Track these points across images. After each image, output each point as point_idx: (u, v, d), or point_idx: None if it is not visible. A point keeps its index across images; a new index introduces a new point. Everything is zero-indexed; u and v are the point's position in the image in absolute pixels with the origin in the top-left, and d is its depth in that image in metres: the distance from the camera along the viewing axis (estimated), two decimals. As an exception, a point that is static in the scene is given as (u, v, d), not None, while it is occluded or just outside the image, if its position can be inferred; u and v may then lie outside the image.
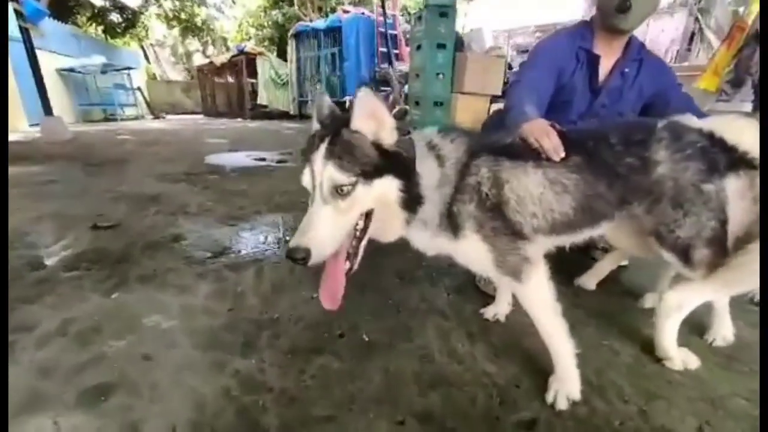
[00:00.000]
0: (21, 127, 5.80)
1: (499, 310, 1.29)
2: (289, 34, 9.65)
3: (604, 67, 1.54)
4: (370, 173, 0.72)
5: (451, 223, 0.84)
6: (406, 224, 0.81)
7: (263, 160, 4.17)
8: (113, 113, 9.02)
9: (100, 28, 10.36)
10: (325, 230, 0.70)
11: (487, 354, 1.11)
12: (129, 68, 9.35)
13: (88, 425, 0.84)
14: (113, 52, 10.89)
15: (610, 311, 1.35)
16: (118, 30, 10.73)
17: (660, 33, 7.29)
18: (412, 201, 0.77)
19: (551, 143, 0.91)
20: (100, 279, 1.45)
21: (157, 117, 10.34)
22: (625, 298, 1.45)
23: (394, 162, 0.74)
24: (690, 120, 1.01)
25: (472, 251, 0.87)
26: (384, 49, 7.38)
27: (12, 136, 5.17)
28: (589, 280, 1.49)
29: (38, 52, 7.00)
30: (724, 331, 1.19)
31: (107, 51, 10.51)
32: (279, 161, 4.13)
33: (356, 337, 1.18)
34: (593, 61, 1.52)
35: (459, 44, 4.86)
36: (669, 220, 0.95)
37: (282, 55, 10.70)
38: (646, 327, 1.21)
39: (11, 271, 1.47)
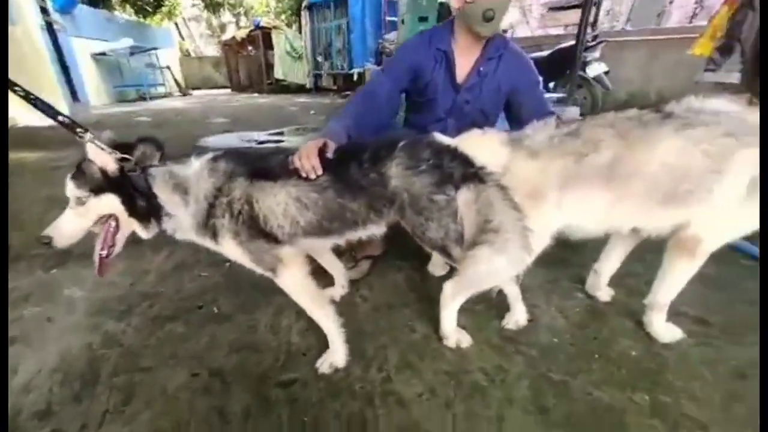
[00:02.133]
0: (63, 111, 6.53)
1: (334, 292, 1.53)
2: (303, 6, 9.63)
3: (464, 66, 1.61)
4: (97, 190, 1.00)
5: (211, 232, 1.08)
6: (145, 229, 1.08)
7: (252, 141, 4.49)
8: (145, 93, 9.78)
9: (132, 10, 10.98)
10: (66, 226, 1.02)
11: (302, 329, 1.36)
12: (155, 48, 9.96)
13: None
14: (146, 31, 11.57)
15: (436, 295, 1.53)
16: (149, 9, 11.31)
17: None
18: (140, 214, 1.04)
19: (309, 164, 1.08)
20: (49, 257, 1.87)
21: (184, 94, 11.04)
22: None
23: (117, 185, 1.01)
24: (439, 138, 1.12)
25: (232, 252, 1.10)
26: (392, 18, 7.21)
27: (45, 121, 5.93)
28: (435, 268, 1.65)
29: (74, 40, 7.82)
30: (516, 316, 1.34)
31: (139, 31, 11.20)
32: (262, 142, 4.44)
33: (210, 310, 1.49)
34: (449, 60, 1.58)
35: (446, 16, 4.69)
36: (417, 224, 1.11)
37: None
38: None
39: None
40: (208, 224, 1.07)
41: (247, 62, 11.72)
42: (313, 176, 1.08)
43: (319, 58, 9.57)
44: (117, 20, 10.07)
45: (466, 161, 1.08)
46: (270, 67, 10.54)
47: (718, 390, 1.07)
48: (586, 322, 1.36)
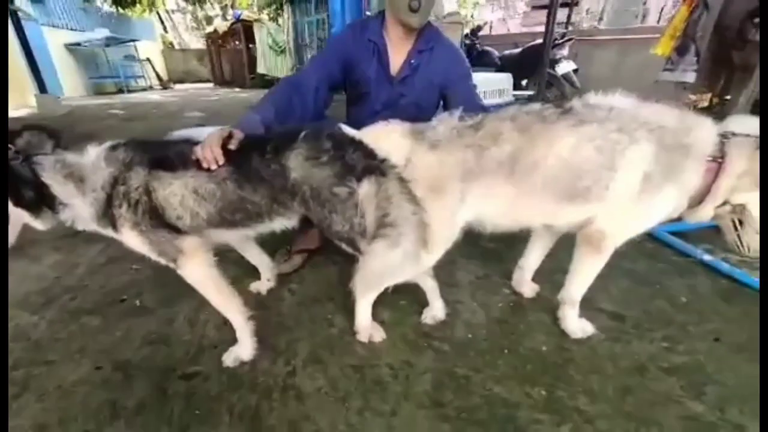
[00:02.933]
0: (30, 102, 6.36)
1: (260, 286, 1.51)
2: (284, -1, 9.51)
3: (398, 58, 1.60)
4: None
5: (110, 221, 1.05)
6: (37, 219, 1.05)
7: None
8: (124, 85, 9.59)
9: (110, 0, 10.72)
10: None
11: (219, 323, 1.34)
12: (133, 40, 9.75)
13: None
14: (125, 23, 11.32)
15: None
16: (128, 0, 11.08)
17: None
18: (28, 204, 1.01)
19: (210, 154, 1.06)
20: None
21: (165, 87, 10.85)
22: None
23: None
24: (343, 129, 1.11)
25: (133, 242, 1.08)
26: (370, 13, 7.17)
27: (18, 112, 5.80)
28: None
29: (46, 29, 7.61)
30: (434, 311, 1.34)
31: (119, 23, 10.95)
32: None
33: (133, 303, 1.46)
34: (381, 52, 1.57)
35: (417, 10, 4.68)
36: (321, 217, 1.10)
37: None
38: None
39: None
40: (107, 214, 1.04)
41: (230, 56, 11.55)
42: (213, 167, 1.06)
43: (303, 52, 9.47)
44: (92, 10, 9.83)
45: (368, 153, 1.07)
46: (253, 61, 10.40)
47: (614, 384, 1.09)
48: (506, 318, 1.37)
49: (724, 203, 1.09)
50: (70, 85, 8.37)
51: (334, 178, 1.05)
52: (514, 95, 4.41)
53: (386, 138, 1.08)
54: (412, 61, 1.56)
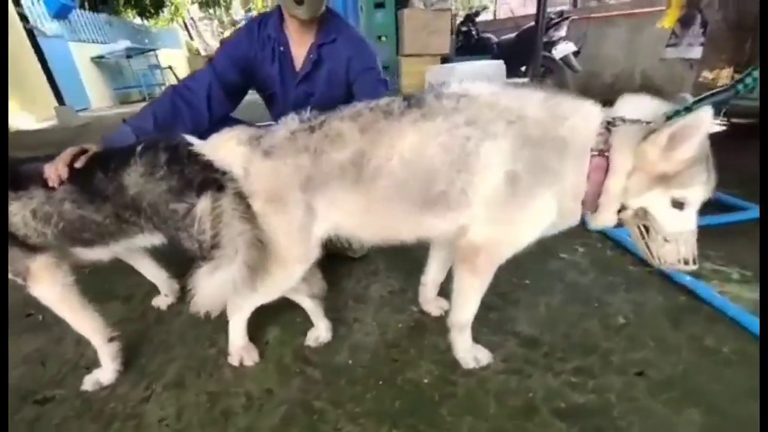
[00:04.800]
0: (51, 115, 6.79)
1: (159, 302, 1.46)
2: (293, -2, 9.52)
3: (300, 54, 1.48)
4: None
5: None
6: None
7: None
8: (148, 93, 10.08)
9: (135, 11, 11.30)
10: None
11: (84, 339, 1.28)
12: (153, 49, 10.20)
13: None
14: (147, 33, 11.88)
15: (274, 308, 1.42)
16: (151, 11, 11.61)
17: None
18: None
19: (54, 172, 1.01)
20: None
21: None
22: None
23: None
24: (185, 139, 1.00)
25: None
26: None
27: (41, 125, 6.25)
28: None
29: (72, 44, 8.13)
30: (317, 332, 1.23)
31: (145, 34, 11.50)
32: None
33: (36, 318, 1.46)
34: (284, 49, 1.45)
35: (404, 1, 4.47)
36: (168, 234, 1.02)
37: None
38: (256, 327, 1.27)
39: None
40: None
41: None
42: (57, 185, 1.00)
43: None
44: (118, 24, 10.39)
45: (206, 166, 0.97)
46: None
47: (487, 430, 0.92)
48: (399, 341, 1.22)
49: (623, 207, 0.89)
50: (97, 96, 8.91)
51: (171, 194, 0.96)
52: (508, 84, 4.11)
53: (224, 147, 0.97)
54: (312, 56, 1.43)
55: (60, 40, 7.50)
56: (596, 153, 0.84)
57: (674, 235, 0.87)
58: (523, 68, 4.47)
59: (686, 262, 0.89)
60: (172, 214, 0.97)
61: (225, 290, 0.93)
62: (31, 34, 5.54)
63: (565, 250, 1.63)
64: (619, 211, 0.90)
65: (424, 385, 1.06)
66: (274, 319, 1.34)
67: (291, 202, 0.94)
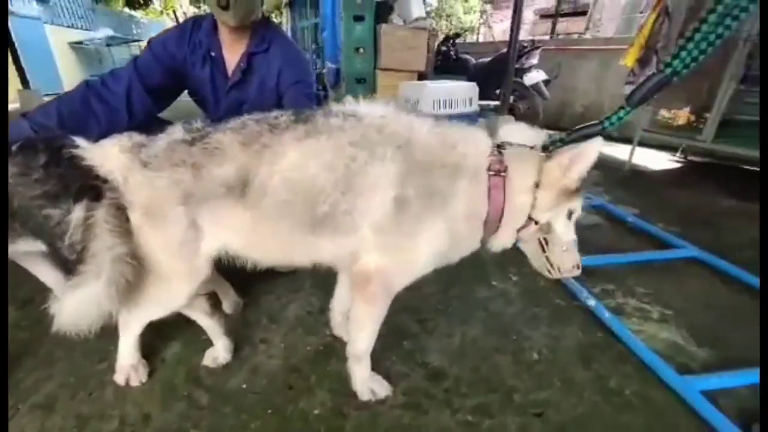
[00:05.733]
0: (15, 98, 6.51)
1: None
2: (283, 3, 9.55)
3: (232, 61, 1.43)
4: None
5: None
6: None
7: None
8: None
9: (124, 1, 11.09)
10: None
11: None
12: (137, 40, 10.01)
13: None
14: (138, 24, 11.67)
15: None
16: (141, 2, 11.44)
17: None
18: None
19: None
20: None
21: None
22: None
23: None
24: (70, 140, 0.93)
25: None
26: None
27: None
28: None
29: (49, 27, 7.89)
30: (215, 353, 1.15)
31: (129, 23, 11.28)
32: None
33: None
34: (215, 54, 1.41)
35: (384, 17, 4.50)
36: (47, 243, 0.95)
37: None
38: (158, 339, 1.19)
39: None
40: None
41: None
42: None
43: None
44: (100, 11, 10.16)
45: (87, 172, 0.90)
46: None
47: (364, 469, 0.87)
48: (303, 366, 1.16)
49: (528, 223, 0.89)
50: (72, 81, 8.61)
51: (45, 199, 0.89)
52: (479, 105, 4.17)
53: (107, 154, 0.90)
54: (242, 64, 1.39)
55: (35, 21, 7.25)
56: (493, 173, 0.84)
57: (569, 244, 0.94)
58: (498, 91, 4.55)
59: (578, 267, 0.96)
60: (46, 219, 0.90)
61: (89, 309, 0.85)
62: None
63: (498, 278, 1.61)
64: (521, 229, 0.92)
65: (313, 416, 0.99)
66: (179, 333, 1.26)
67: (170, 216, 0.87)
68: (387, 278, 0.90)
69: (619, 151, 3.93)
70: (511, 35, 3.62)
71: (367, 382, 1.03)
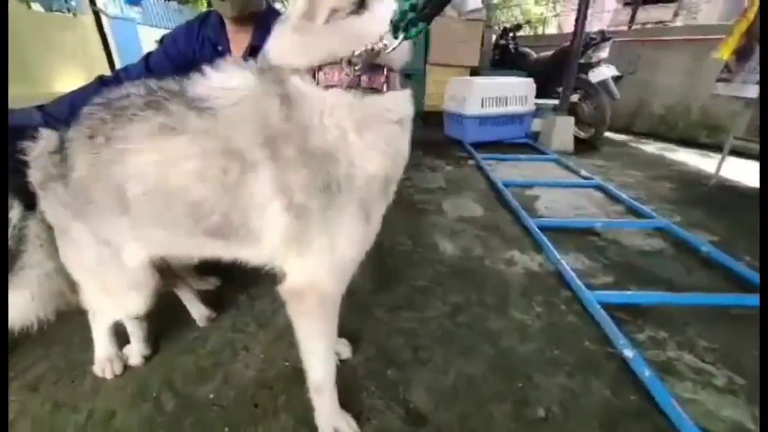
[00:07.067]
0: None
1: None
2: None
3: (237, 55, 1.38)
4: None
5: None
6: None
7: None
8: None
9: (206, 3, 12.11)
10: None
11: None
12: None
13: None
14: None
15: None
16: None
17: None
18: None
19: None
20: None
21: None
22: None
23: None
24: (46, 134, 0.93)
25: None
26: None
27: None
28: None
29: (141, 27, 8.86)
30: (129, 351, 1.14)
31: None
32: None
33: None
34: (222, 49, 1.37)
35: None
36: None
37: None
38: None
39: None
40: None
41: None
42: None
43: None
44: (186, 11, 11.18)
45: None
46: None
47: None
48: (276, 382, 1.08)
49: None
50: (157, 75, 9.71)
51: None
52: (536, 104, 3.80)
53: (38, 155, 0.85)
54: (246, 59, 1.33)
55: (130, 23, 8.20)
56: None
57: None
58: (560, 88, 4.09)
59: None
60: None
61: (13, 316, 0.85)
62: (96, 16, 6.07)
63: (519, 307, 1.39)
64: None
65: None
66: (177, 333, 1.25)
67: (74, 234, 0.82)
68: (319, 287, 0.77)
69: (706, 162, 3.32)
70: (576, 24, 3.21)
71: (330, 418, 0.91)
